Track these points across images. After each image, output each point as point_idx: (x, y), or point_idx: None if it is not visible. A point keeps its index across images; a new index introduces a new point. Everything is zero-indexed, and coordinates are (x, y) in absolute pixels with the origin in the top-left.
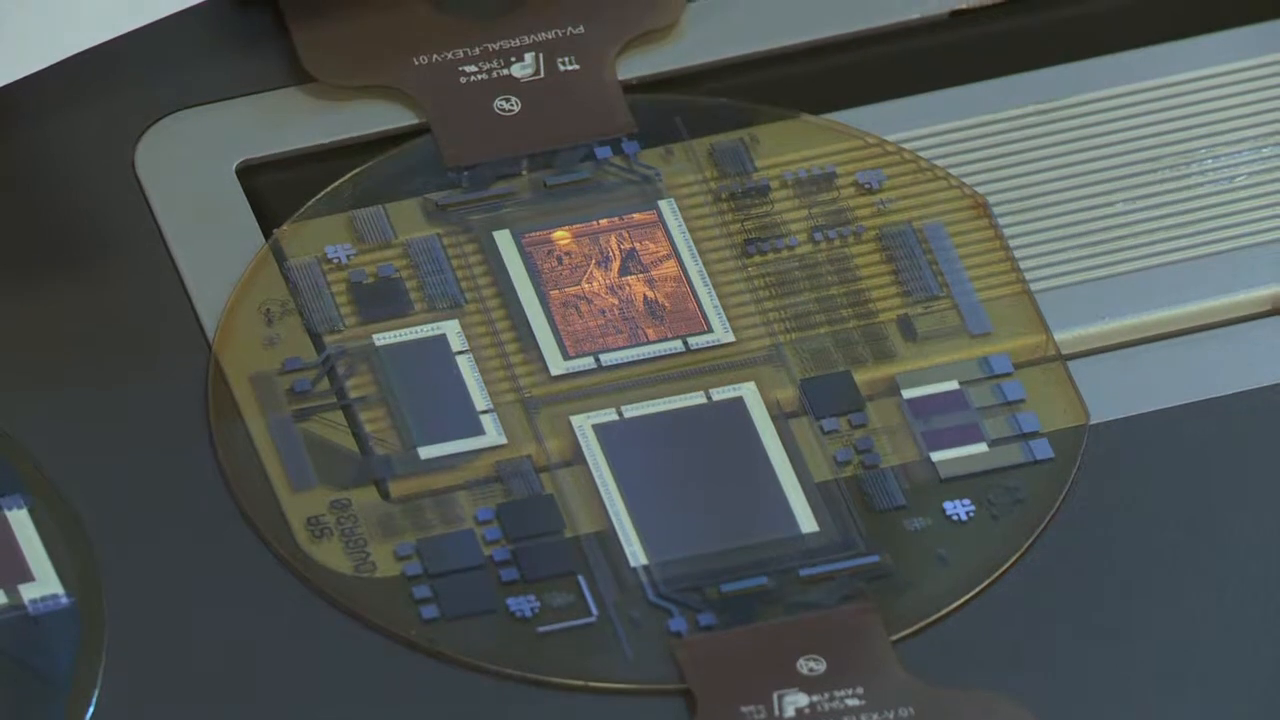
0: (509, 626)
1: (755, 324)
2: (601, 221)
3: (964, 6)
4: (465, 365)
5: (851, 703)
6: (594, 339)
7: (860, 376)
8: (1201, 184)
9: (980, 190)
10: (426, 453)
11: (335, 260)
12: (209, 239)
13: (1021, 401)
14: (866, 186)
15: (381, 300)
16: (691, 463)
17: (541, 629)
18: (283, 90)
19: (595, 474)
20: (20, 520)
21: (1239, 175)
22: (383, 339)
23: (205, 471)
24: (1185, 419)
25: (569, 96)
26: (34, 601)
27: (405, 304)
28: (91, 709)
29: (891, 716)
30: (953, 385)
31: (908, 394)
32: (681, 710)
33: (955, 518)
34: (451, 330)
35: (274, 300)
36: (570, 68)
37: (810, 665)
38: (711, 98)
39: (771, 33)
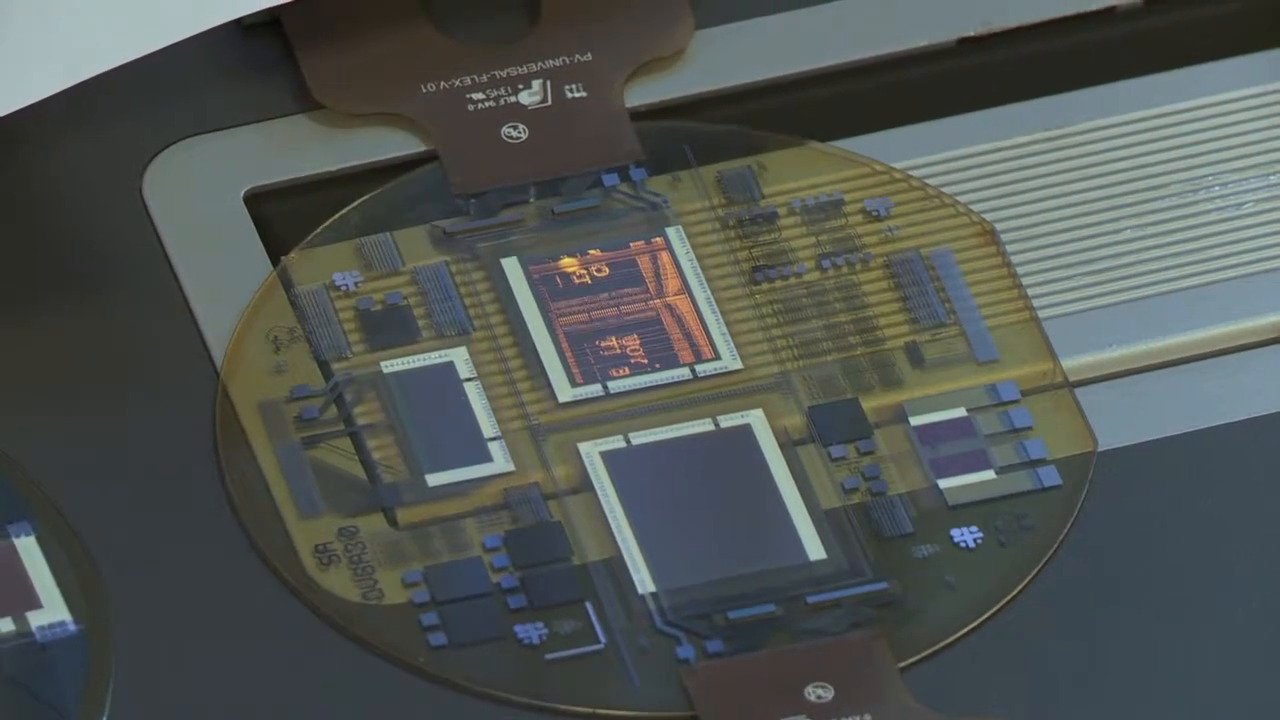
0: (516, 654)
1: (763, 351)
2: (609, 249)
3: (972, 34)
4: (473, 392)
5: None
6: (602, 366)
7: (868, 404)
8: (1209, 211)
9: (988, 217)
10: (434, 480)
11: (343, 287)
12: (217, 266)
13: (1029, 429)
14: (874, 214)
15: (389, 327)
16: (699, 490)
17: (549, 656)
18: (290, 118)
19: (603, 501)
20: (28, 548)
21: (1247, 202)
22: (390, 366)
23: (213, 499)
24: (1194, 446)
25: (577, 124)
26: (41, 629)
27: (413, 331)
28: None
29: None
30: (960, 412)
31: (915, 421)
32: None
33: (963, 545)
34: (459, 357)
35: (282, 327)
36: (578, 95)
37: (818, 692)
38: (719, 125)
39: (779, 60)
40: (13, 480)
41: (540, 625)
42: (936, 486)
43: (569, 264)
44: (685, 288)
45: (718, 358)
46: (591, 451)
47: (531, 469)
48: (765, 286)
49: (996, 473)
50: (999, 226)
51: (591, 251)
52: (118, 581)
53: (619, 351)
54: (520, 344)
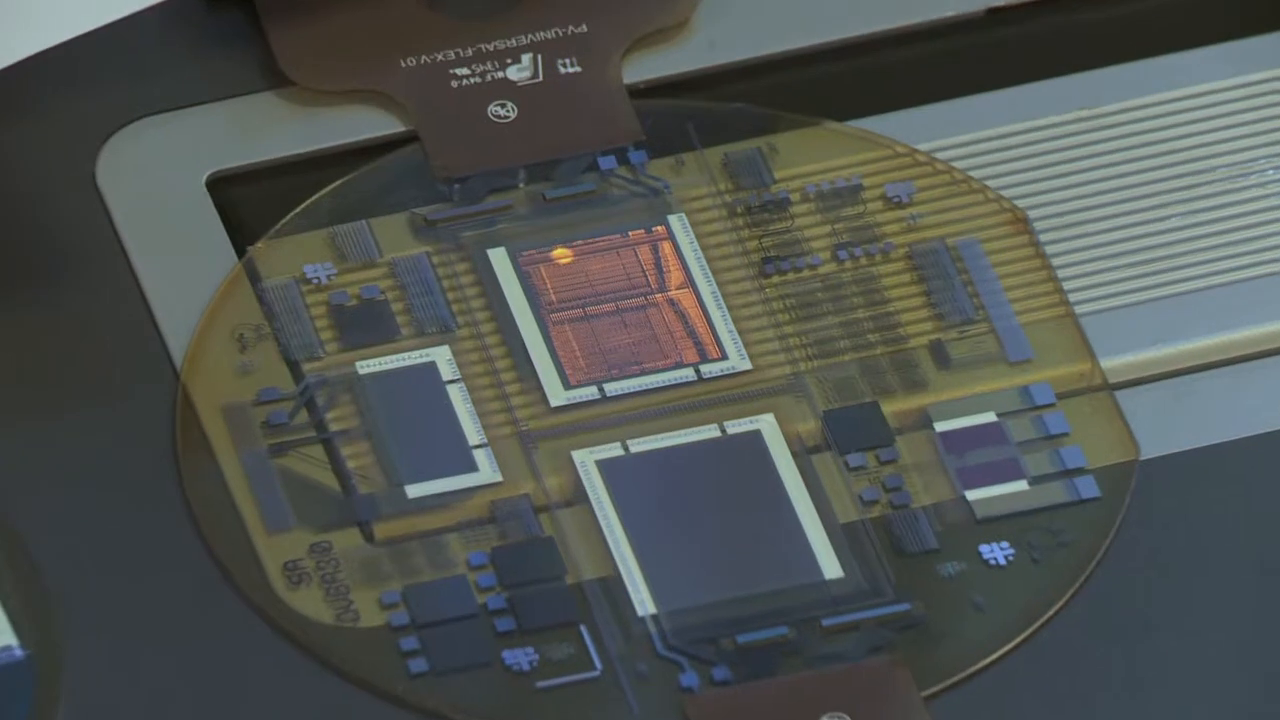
0: (505, 681)
1: (774, 350)
2: (606, 238)
3: (1002, 3)
4: (457, 395)
5: None
6: (598, 367)
7: (889, 408)
8: (1262, 197)
9: (1020, 204)
10: (414, 491)
11: (315, 280)
12: (176, 257)
13: (1065, 435)
14: (896, 200)
15: (365, 324)
16: (704, 502)
17: (540, 684)
18: (257, 95)
19: (599, 514)
20: None
21: None
22: (366, 367)
23: (172, 511)
24: (1244, 454)
25: (570, 102)
26: None
27: (391, 329)
28: None
29: None
30: (990, 417)
31: (940, 427)
32: None
33: (992, 562)
34: (442, 357)
35: (247, 324)
36: (571, 70)
37: None
38: (726, 103)
39: (792, 32)
40: None
41: (530, 650)
42: (964, 498)
43: (562, 255)
44: (689, 281)
45: (724, 358)
46: (586, 460)
47: (521, 479)
48: (776, 279)
49: (1029, 483)
50: (1032, 214)
51: (587, 241)
52: (69, 602)
53: (616, 351)
54: (508, 342)
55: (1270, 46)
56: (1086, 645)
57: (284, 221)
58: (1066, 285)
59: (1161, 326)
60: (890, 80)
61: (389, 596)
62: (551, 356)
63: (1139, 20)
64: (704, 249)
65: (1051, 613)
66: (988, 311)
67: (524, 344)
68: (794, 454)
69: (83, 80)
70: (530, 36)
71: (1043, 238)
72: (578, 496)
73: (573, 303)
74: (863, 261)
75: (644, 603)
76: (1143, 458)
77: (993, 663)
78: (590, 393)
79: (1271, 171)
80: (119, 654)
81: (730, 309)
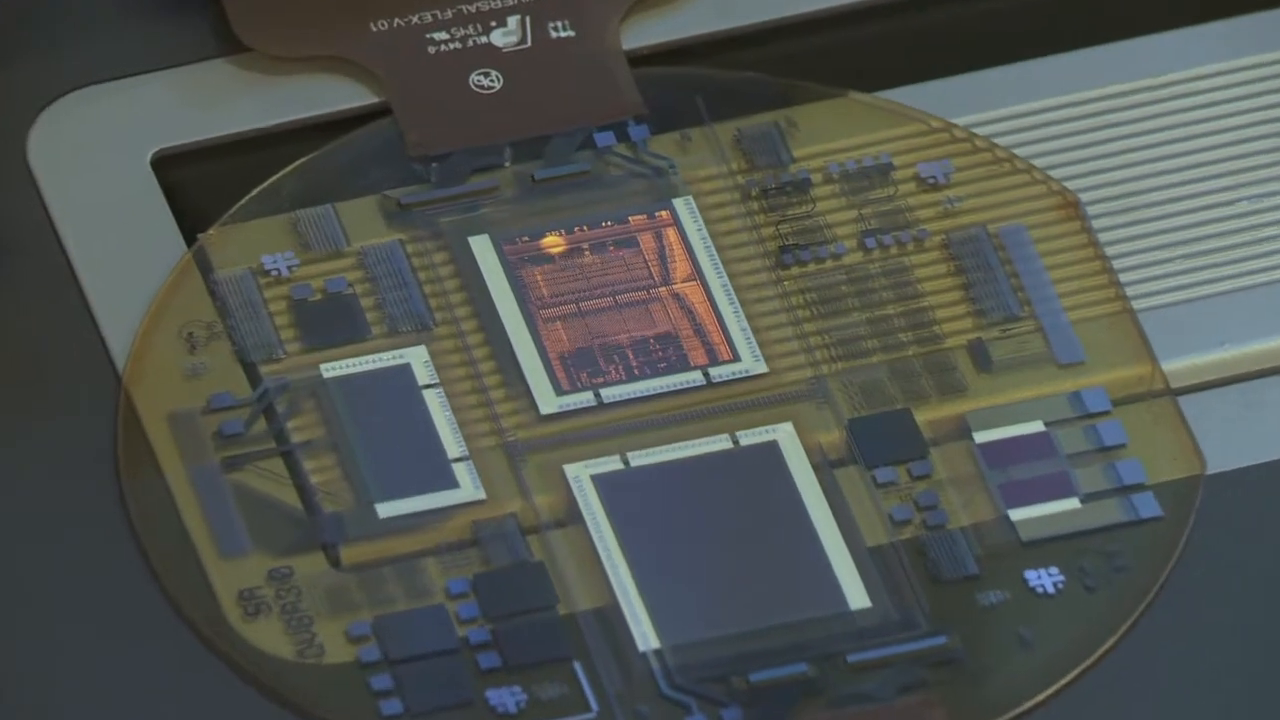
0: None
1: (792, 351)
2: (603, 225)
3: None
4: (434, 402)
5: None
6: (593, 370)
7: (922, 416)
8: None
9: (1070, 186)
10: (386, 510)
11: (274, 272)
12: (117, 246)
13: (1122, 447)
14: (930, 181)
15: (331, 322)
16: (713, 522)
17: None
18: (209, 63)
19: (595, 536)
20: None
21: None
22: (332, 370)
23: (113, 533)
24: None
25: (562, 70)
26: None
27: (360, 327)
28: None
29: None
30: (1037, 426)
31: (981, 437)
32: None
33: (1040, 590)
34: (417, 359)
35: (198, 322)
36: (564, 34)
37: None
38: (739, 72)
39: None
40: None
41: (518, 690)
42: (1007, 518)
43: (553, 243)
44: (697, 273)
45: (737, 359)
46: (581, 475)
47: (507, 497)
48: (795, 271)
49: (1081, 501)
50: (1084, 197)
51: (581, 228)
52: None
53: (615, 351)
54: (493, 342)
55: None
56: (1145, 684)
57: (239, 205)
58: (1123, 278)
59: (1230, 325)
60: (924, 46)
61: (358, 629)
62: (541, 358)
63: None
64: (713, 236)
65: (1106, 647)
66: (1034, 307)
67: (510, 344)
68: (815, 468)
69: (10, 47)
70: None
71: (1096, 224)
72: (571, 516)
73: (565, 297)
74: (893, 251)
75: (646, 636)
76: (1209, 472)
77: (1040, 704)
78: (585, 399)
79: None
80: (53, 694)
81: (743, 304)
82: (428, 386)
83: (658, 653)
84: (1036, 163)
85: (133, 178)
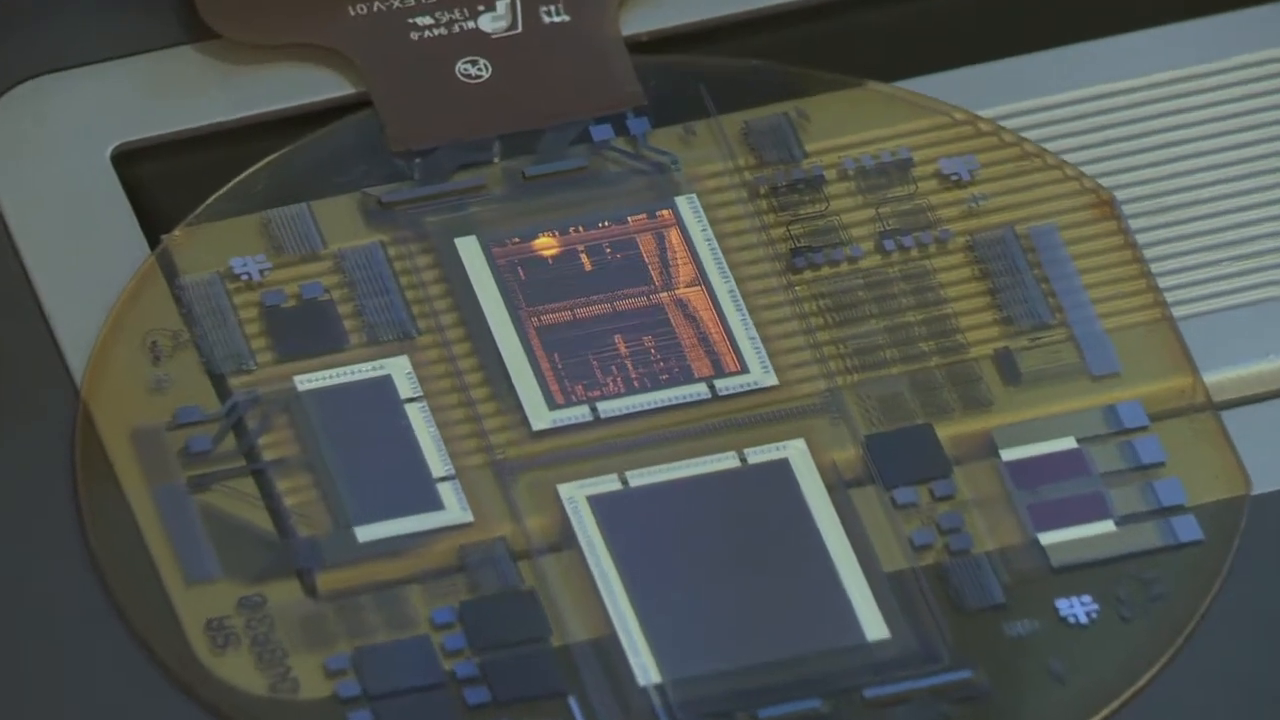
0: None
1: (805, 362)
2: (599, 225)
3: None
4: (418, 417)
5: None
6: (590, 382)
7: (945, 432)
8: None
9: (1105, 183)
10: (366, 534)
11: (244, 276)
12: (76, 247)
13: (1160, 465)
14: (954, 178)
15: (306, 330)
16: (719, 547)
17: None
18: (174, 50)
19: (591, 562)
20: None
21: None
22: (307, 382)
23: (70, 559)
24: None
25: (556, 58)
26: None
27: (338, 336)
28: None
29: None
30: (1069, 443)
31: (1008, 455)
32: None
33: (1072, 620)
34: (399, 370)
35: (163, 330)
36: (558, 19)
37: None
38: (747, 59)
39: None
40: None
41: None
42: (1036, 542)
43: (546, 245)
44: (701, 277)
45: (744, 371)
46: (576, 496)
47: (496, 519)
48: (808, 275)
49: (1117, 524)
50: (1120, 195)
51: (576, 229)
52: None
53: (613, 362)
54: (481, 353)
55: None
56: (1186, 719)
57: (206, 204)
58: (1162, 282)
59: (1278, 334)
60: (947, 31)
61: (336, 662)
62: (533, 369)
63: None
64: (719, 238)
65: (1144, 681)
66: (1066, 314)
67: (499, 354)
68: (829, 488)
69: None
70: None
71: (1133, 224)
72: (565, 540)
73: (559, 304)
74: (913, 253)
75: (646, 669)
76: (1254, 493)
77: None
78: (581, 413)
79: None
80: None
81: (751, 311)
82: (410, 400)
83: (659, 687)
84: (1068, 158)
85: (92, 174)
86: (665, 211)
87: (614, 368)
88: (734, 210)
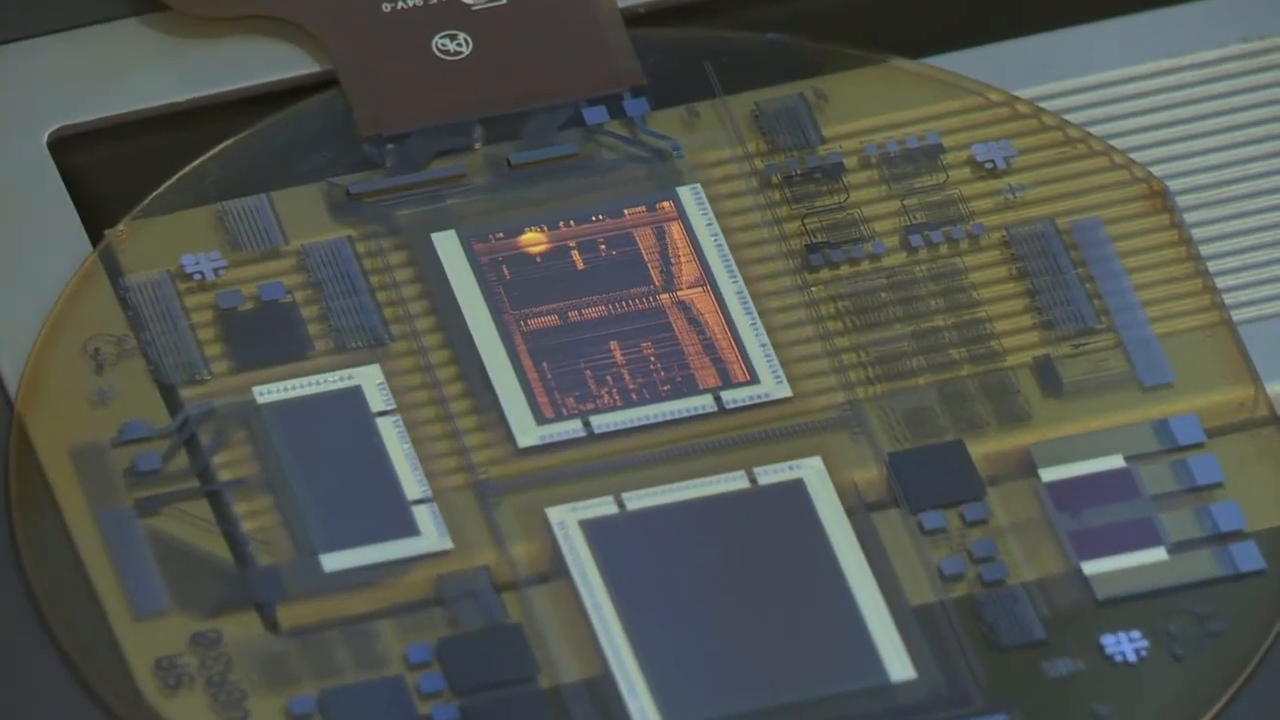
0: None
1: (821, 371)
2: (593, 219)
3: None
4: (390, 432)
5: None
6: (582, 393)
7: (978, 449)
8: None
9: (1156, 171)
10: (333, 563)
11: (196, 276)
12: (9, 244)
13: (1218, 486)
14: (988, 166)
15: (266, 336)
16: (726, 578)
17: None
18: (119, 23)
19: (583, 593)
20: None
21: None
22: (267, 394)
23: (4, 591)
24: None
25: (544, 31)
26: None
27: (301, 342)
28: None
29: None
30: (1116, 462)
31: (1048, 475)
32: None
33: (1119, 658)
34: (370, 380)
35: (106, 335)
36: None
37: None
38: (758, 33)
39: None
40: None
41: None
42: (1080, 572)
43: (533, 241)
44: (706, 277)
45: (755, 381)
46: (567, 520)
47: (477, 546)
48: (826, 274)
49: (1169, 551)
50: (1173, 185)
51: (567, 223)
52: None
53: (608, 372)
54: (461, 361)
55: None
56: None
57: (154, 195)
58: (1220, 283)
59: None
60: (980, 2)
61: (300, 705)
62: (519, 379)
63: None
64: (726, 233)
65: None
66: (1113, 318)
67: (482, 363)
68: (849, 511)
69: None
70: None
71: (1188, 217)
72: (554, 569)
73: (548, 306)
74: (943, 250)
75: (644, 712)
76: None
77: None
78: (572, 428)
79: None
80: None
81: (762, 314)
82: (382, 414)
83: None
84: (1116, 143)
85: (26, 162)
86: (666, 203)
87: (609, 378)
88: (743, 202)
